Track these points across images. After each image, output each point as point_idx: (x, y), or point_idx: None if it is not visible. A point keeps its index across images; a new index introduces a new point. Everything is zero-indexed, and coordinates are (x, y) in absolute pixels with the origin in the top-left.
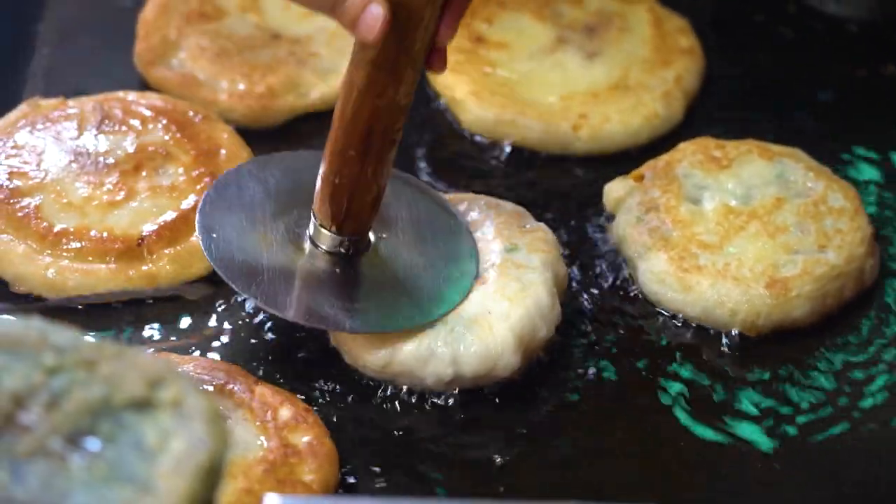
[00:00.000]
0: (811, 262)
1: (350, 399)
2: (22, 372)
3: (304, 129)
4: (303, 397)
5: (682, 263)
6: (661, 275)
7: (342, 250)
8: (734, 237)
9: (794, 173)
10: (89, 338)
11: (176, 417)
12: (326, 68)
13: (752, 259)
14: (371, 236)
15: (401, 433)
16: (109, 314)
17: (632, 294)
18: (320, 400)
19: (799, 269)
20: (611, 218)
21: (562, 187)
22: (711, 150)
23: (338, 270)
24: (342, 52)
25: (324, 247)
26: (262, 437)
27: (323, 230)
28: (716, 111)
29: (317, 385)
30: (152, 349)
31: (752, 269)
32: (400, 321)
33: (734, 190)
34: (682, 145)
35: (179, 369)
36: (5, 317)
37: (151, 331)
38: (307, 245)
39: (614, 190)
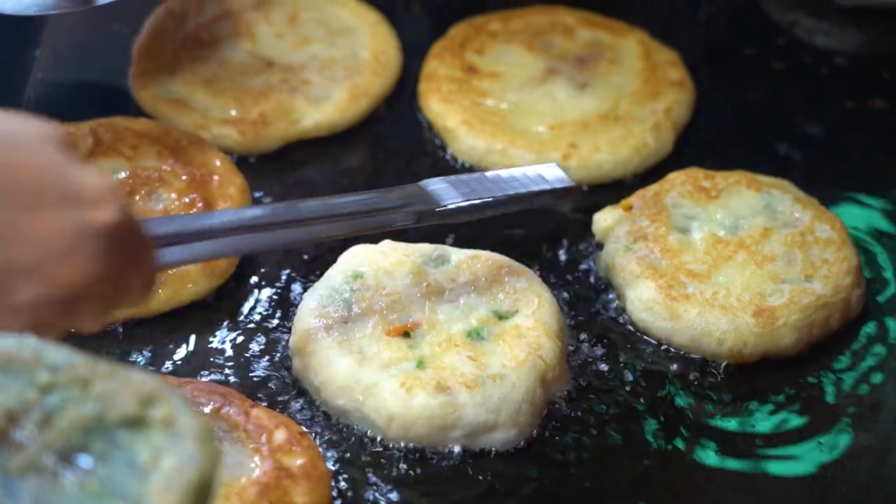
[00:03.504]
0: (798, 292)
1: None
2: (16, 389)
3: (295, 155)
4: (303, 419)
5: (671, 292)
6: (649, 303)
7: None
8: (722, 266)
9: (781, 204)
10: (82, 356)
11: (168, 435)
12: (318, 96)
13: (739, 288)
14: None
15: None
16: (103, 337)
17: (620, 321)
18: (314, 424)
19: (786, 299)
20: (599, 246)
21: (551, 216)
22: (700, 181)
23: None
24: (334, 80)
25: None
26: (257, 459)
27: None
28: (705, 143)
29: (311, 410)
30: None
31: (740, 298)
32: None
33: (722, 220)
34: (672, 175)
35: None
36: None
37: (143, 356)
38: None
39: (603, 219)
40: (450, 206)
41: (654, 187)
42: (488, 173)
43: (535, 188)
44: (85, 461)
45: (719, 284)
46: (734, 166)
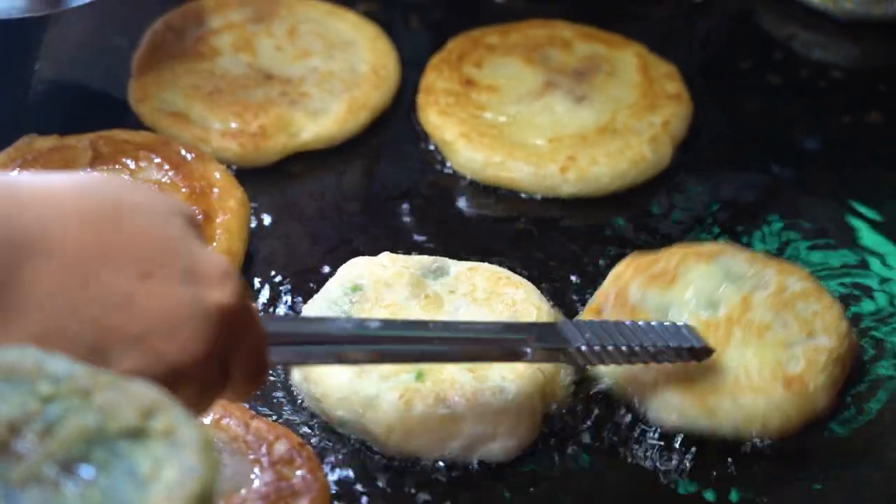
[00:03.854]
0: (811, 352)
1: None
2: (17, 400)
3: (294, 168)
4: (303, 430)
5: (692, 389)
6: (680, 408)
7: None
8: (727, 349)
9: (737, 267)
10: (83, 367)
11: (168, 446)
12: (318, 109)
13: (757, 365)
14: None
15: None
16: None
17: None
18: (314, 436)
19: (804, 362)
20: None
21: (551, 230)
22: (650, 269)
23: None
24: (333, 93)
25: None
26: (257, 471)
27: None
28: (702, 156)
29: (311, 421)
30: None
31: (762, 375)
32: None
33: (696, 302)
34: (618, 271)
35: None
36: (1, 347)
37: None
38: None
39: None
40: (581, 348)
41: (608, 288)
42: (629, 322)
43: (672, 343)
44: (86, 471)
45: (735, 368)
46: (731, 180)
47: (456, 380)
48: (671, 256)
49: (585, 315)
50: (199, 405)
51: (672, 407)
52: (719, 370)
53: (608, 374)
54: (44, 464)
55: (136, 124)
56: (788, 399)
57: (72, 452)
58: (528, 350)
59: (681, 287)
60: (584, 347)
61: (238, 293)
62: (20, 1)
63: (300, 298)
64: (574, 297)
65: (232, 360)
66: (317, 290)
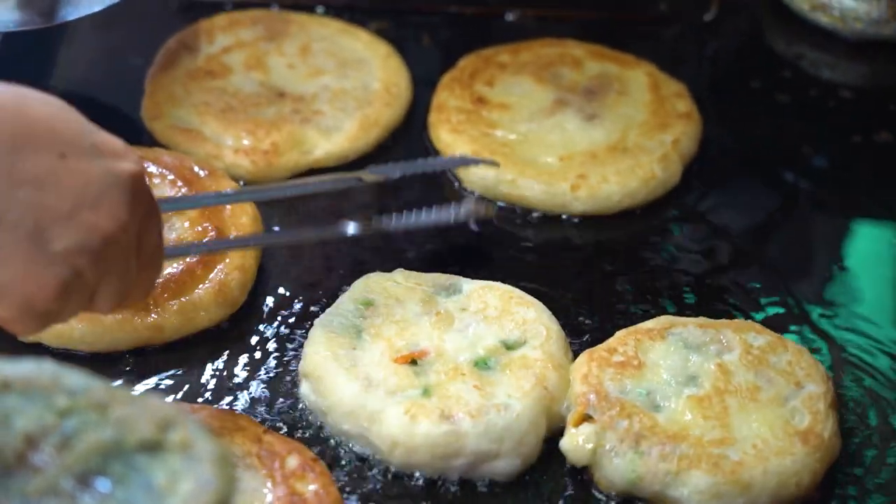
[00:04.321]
0: (809, 402)
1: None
2: (35, 413)
3: None
4: (314, 444)
5: (720, 468)
6: (711, 490)
7: None
8: (730, 421)
9: (692, 336)
10: (100, 381)
11: (185, 459)
12: (330, 126)
13: (766, 430)
14: None
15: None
16: (115, 365)
17: None
18: (326, 450)
19: (809, 414)
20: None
21: (561, 248)
22: (611, 360)
23: None
24: (345, 111)
25: None
26: (269, 485)
27: None
28: (712, 174)
29: (322, 435)
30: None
31: (777, 437)
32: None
33: (675, 380)
34: (582, 371)
35: (190, 415)
36: (19, 360)
37: (155, 383)
38: None
39: (579, 447)
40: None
41: (584, 391)
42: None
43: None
44: (103, 484)
45: (748, 436)
46: (740, 198)
47: (461, 396)
48: (623, 344)
49: (574, 422)
50: (120, 284)
51: (704, 491)
52: (734, 444)
53: (625, 470)
54: (61, 477)
55: (150, 141)
56: (810, 453)
57: (88, 465)
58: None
59: (651, 371)
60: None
61: (140, 162)
62: (14, 15)
63: (312, 312)
64: (581, 318)
65: (145, 224)
66: (329, 305)
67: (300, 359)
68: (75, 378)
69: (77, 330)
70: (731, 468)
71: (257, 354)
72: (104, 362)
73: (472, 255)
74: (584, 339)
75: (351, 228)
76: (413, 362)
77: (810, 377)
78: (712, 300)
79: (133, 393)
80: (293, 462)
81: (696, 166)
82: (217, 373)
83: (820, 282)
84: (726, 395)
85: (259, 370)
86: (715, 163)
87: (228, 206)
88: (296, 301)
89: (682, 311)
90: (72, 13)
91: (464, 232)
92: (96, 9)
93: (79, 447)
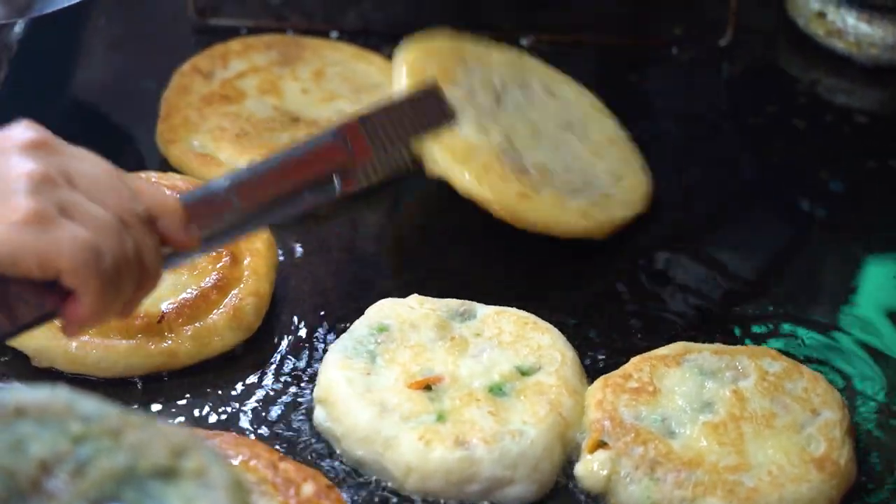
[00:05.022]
0: (825, 429)
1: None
2: (49, 440)
3: (318, 211)
4: (329, 471)
5: (736, 494)
6: None
7: None
8: (745, 447)
9: (707, 363)
10: (114, 407)
11: (199, 486)
12: None
13: (782, 457)
14: None
15: None
16: (129, 390)
17: None
18: (340, 477)
19: (824, 441)
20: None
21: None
22: (626, 386)
23: None
24: None
25: None
26: None
27: None
28: (726, 200)
29: (337, 462)
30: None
31: (793, 464)
32: None
33: (690, 407)
34: (597, 397)
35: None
36: (34, 387)
37: (168, 409)
38: None
39: (594, 473)
40: None
41: (599, 417)
42: None
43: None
44: None
45: (764, 463)
46: (756, 224)
47: (476, 422)
48: (639, 369)
49: (589, 449)
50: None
51: None
52: (749, 471)
53: (640, 497)
54: (75, 503)
55: (164, 166)
56: (826, 480)
57: (103, 492)
58: None
59: (666, 397)
60: None
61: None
62: None
63: (326, 338)
64: (596, 344)
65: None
66: (344, 330)
67: (314, 385)
68: (90, 404)
69: (91, 356)
70: (747, 495)
71: (271, 380)
72: (118, 387)
73: (487, 278)
74: (599, 365)
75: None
76: (428, 388)
77: (826, 404)
78: (726, 327)
79: (148, 418)
80: (309, 489)
81: (708, 191)
82: (231, 398)
83: (834, 310)
84: (742, 421)
85: (273, 396)
86: (730, 189)
87: None
88: (310, 327)
89: (696, 338)
90: (47, 7)
91: (480, 254)
92: (71, 2)
93: (93, 473)
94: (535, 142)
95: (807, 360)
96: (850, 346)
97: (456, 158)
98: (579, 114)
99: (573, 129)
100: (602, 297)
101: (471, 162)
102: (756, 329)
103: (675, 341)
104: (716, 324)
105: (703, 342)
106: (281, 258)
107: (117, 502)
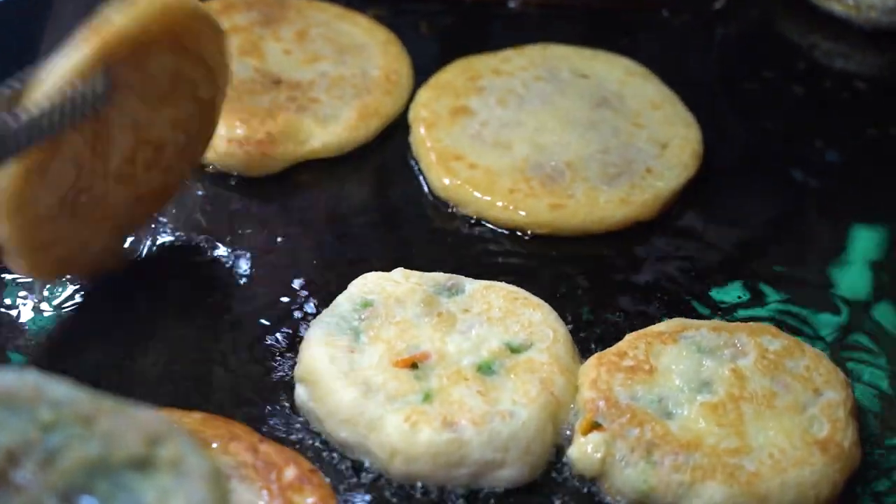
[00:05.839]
0: (828, 410)
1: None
2: (17, 427)
3: (302, 177)
4: (311, 453)
5: (736, 479)
6: (727, 502)
7: None
8: (745, 429)
9: (706, 340)
10: (86, 392)
11: (175, 476)
12: (327, 115)
13: (783, 439)
14: None
15: None
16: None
17: None
18: (322, 459)
19: (828, 423)
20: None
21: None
22: (621, 365)
23: None
24: (343, 99)
25: None
26: (266, 498)
27: None
28: (725, 169)
29: (319, 443)
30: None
31: (794, 446)
32: None
33: (688, 386)
34: (591, 376)
35: (179, 426)
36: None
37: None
38: None
39: (588, 456)
40: None
41: (593, 397)
42: None
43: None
44: None
45: (765, 446)
46: (752, 193)
47: (464, 402)
48: (634, 347)
49: (582, 430)
50: None
51: (719, 502)
52: (750, 454)
53: (636, 481)
54: (44, 496)
55: None
56: (830, 463)
57: (73, 483)
58: None
59: (663, 376)
60: None
61: None
62: None
63: (308, 313)
64: (588, 321)
65: None
66: (326, 306)
67: (296, 362)
68: (60, 389)
69: None
70: (748, 479)
71: (250, 357)
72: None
73: (472, 254)
74: (592, 342)
75: None
76: (414, 366)
77: (829, 383)
78: (718, 303)
79: (121, 405)
80: (290, 473)
81: (709, 161)
82: (207, 374)
83: (829, 285)
84: (741, 401)
85: (253, 374)
86: (728, 156)
87: None
88: (291, 301)
89: (690, 314)
90: None
91: (467, 228)
92: None
93: (63, 464)
94: (567, 132)
95: (803, 337)
96: (842, 320)
97: (481, 190)
98: (613, 86)
99: (609, 104)
100: (592, 269)
101: (496, 189)
102: (747, 305)
103: (665, 315)
104: (706, 302)
105: (694, 317)
106: (259, 228)
107: (89, 495)
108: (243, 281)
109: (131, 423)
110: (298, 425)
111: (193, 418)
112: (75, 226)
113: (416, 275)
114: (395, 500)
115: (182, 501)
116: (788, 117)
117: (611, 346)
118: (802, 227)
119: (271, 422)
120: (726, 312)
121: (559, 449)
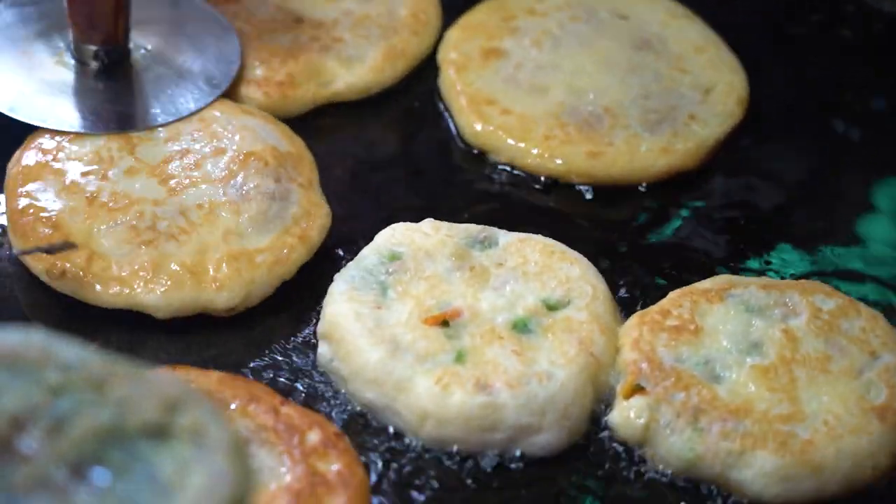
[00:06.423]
0: (886, 374)
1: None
2: (22, 391)
3: (325, 121)
4: (337, 416)
5: (788, 448)
6: (779, 473)
7: (99, 62)
8: (798, 394)
9: (755, 298)
10: (98, 353)
11: (195, 447)
12: (351, 56)
13: (839, 405)
14: (131, 45)
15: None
16: (118, 325)
17: None
18: (349, 422)
19: (885, 389)
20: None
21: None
22: (664, 325)
23: (107, 81)
24: (369, 39)
25: (82, 59)
26: (288, 464)
27: (79, 44)
28: (769, 115)
29: (344, 405)
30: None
31: (851, 413)
32: (181, 108)
33: (737, 348)
34: (633, 336)
35: (198, 388)
36: (4, 330)
37: (161, 346)
38: (71, 61)
39: (631, 422)
40: None
41: (636, 359)
42: None
43: None
44: (101, 476)
45: (819, 412)
46: (794, 140)
47: (499, 363)
48: (678, 305)
49: (624, 394)
50: None
51: (771, 474)
52: (803, 421)
53: (682, 449)
54: (52, 466)
55: None
56: (888, 431)
57: (84, 453)
58: None
59: (710, 336)
60: None
61: None
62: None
63: (332, 266)
64: (629, 278)
65: None
66: (352, 258)
67: (318, 319)
68: (69, 350)
69: None
70: (801, 448)
71: (271, 314)
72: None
73: (507, 202)
74: (633, 300)
75: None
76: (445, 324)
77: (886, 346)
78: (766, 261)
79: (136, 367)
80: (314, 438)
81: (753, 105)
82: (226, 332)
83: (877, 241)
84: (793, 364)
85: (274, 331)
86: (773, 103)
87: None
88: (314, 253)
89: (736, 272)
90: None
91: (497, 175)
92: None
93: (73, 432)
94: (606, 75)
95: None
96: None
97: (515, 136)
98: (655, 28)
99: (651, 47)
100: (632, 222)
101: (531, 136)
102: (779, 258)
103: (706, 272)
104: (746, 258)
105: (737, 273)
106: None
107: (101, 466)
108: None
109: (147, 387)
110: (322, 386)
111: (211, 378)
112: None
113: (446, 226)
114: (424, 466)
115: (202, 475)
116: (837, 61)
117: (653, 304)
118: (837, 181)
119: (294, 383)
120: (775, 271)
121: (600, 414)
